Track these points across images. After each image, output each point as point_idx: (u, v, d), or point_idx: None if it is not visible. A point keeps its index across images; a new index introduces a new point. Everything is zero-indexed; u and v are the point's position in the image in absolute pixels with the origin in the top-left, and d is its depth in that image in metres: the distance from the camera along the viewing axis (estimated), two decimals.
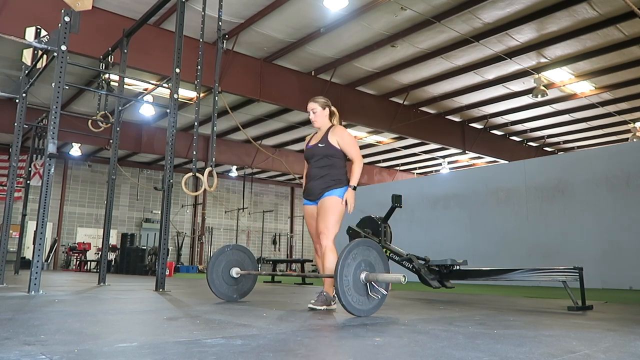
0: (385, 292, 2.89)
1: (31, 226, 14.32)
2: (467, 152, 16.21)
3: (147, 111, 13.44)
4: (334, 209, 3.37)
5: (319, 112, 3.62)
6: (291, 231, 24.12)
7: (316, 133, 3.71)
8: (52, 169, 4.33)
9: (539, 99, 12.04)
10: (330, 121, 3.65)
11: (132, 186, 20.03)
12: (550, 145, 17.99)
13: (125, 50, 6.71)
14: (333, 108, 3.68)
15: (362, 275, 2.81)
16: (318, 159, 3.51)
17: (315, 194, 3.48)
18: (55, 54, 4.50)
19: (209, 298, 4.06)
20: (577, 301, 3.46)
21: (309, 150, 3.63)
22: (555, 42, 9.94)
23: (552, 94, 12.31)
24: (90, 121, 7.36)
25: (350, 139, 3.54)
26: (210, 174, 4.69)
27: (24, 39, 4.91)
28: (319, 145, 3.55)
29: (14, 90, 6.25)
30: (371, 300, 2.83)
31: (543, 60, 10.90)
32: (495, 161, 17.07)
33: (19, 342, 1.68)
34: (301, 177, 3.65)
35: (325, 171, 3.46)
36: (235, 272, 3.77)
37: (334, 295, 3.20)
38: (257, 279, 3.99)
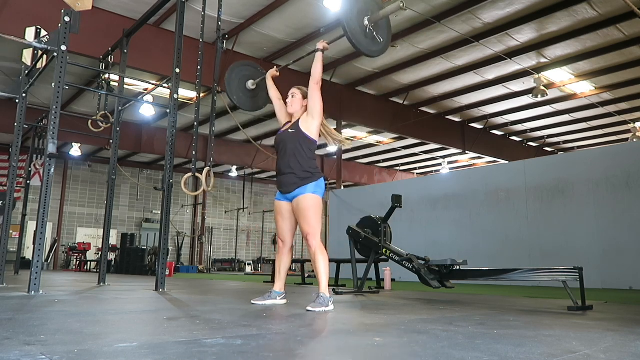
0: (383, 40, 3.26)
1: (31, 226, 14.32)
2: (467, 152, 16.22)
3: (147, 111, 13.45)
4: (312, 207, 3.30)
5: (297, 98, 3.56)
6: None
7: (289, 122, 3.60)
8: (52, 169, 4.32)
9: (539, 99, 12.05)
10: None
11: (132, 186, 20.03)
12: (550, 145, 18.00)
13: (125, 50, 6.70)
14: None
15: (365, 20, 3.17)
16: (286, 145, 3.41)
17: (288, 189, 3.37)
18: (55, 54, 4.50)
19: (209, 298, 4.06)
20: (577, 301, 3.46)
21: (279, 136, 3.54)
22: (555, 42, 9.95)
23: (552, 94, 12.32)
24: (90, 121, 7.36)
25: (313, 101, 3.41)
26: (208, 174, 4.69)
27: (24, 39, 4.91)
28: (289, 130, 3.47)
29: (14, 90, 6.24)
30: (377, 43, 3.19)
31: (543, 60, 10.90)
32: (495, 161, 17.08)
33: (19, 342, 1.68)
34: None
35: (294, 162, 3.35)
36: (250, 83, 4.09)
37: (330, 297, 3.20)
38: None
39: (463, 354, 1.61)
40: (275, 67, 3.99)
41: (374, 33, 3.19)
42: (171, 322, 2.38)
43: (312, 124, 3.42)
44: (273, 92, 3.85)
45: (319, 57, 3.50)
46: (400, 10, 3.06)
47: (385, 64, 11.38)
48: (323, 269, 3.24)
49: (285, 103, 3.68)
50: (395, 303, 3.98)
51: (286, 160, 3.40)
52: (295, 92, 3.59)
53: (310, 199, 3.31)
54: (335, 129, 3.67)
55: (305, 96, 3.56)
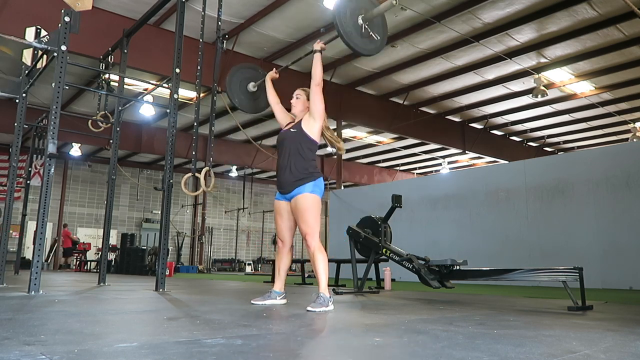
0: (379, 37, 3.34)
1: (31, 226, 14.31)
2: (467, 152, 16.22)
3: (147, 111, 13.45)
4: (310, 207, 3.30)
5: (302, 100, 3.63)
6: None
7: (291, 122, 3.68)
8: (52, 169, 4.32)
9: (539, 99, 12.05)
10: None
11: (132, 186, 20.03)
12: (550, 145, 18.00)
13: (125, 50, 6.70)
14: None
15: (359, 19, 3.20)
16: (287, 144, 3.45)
17: (286, 189, 3.39)
18: (55, 54, 4.50)
19: (209, 298, 4.06)
20: (577, 301, 3.46)
21: (281, 134, 3.61)
22: (555, 42, 9.95)
23: (552, 94, 12.31)
24: (90, 121, 7.36)
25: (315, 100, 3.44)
26: (207, 174, 4.69)
27: (24, 39, 4.91)
28: (291, 130, 3.51)
29: (14, 90, 6.24)
30: (373, 41, 3.24)
31: (543, 60, 10.90)
32: (495, 161, 17.08)
33: (19, 342, 1.68)
34: None
35: (294, 161, 3.37)
36: (252, 85, 4.13)
37: (330, 297, 3.20)
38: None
39: (463, 354, 1.61)
40: (274, 68, 4.00)
41: (370, 31, 3.21)
42: (171, 322, 2.38)
43: (313, 125, 3.45)
44: (272, 98, 3.92)
45: (317, 58, 3.51)
46: (400, 10, 3.12)
47: (385, 64, 11.38)
48: (322, 269, 3.24)
49: (287, 106, 3.73)
50: (395, 303, 3.99)
51: (286, 159, 3.42)
52: (299, 94, 3.65)
53: (309, 199, 3.32)
54: (334, 130, 3.66)
55: (309, 98, 3.57)
